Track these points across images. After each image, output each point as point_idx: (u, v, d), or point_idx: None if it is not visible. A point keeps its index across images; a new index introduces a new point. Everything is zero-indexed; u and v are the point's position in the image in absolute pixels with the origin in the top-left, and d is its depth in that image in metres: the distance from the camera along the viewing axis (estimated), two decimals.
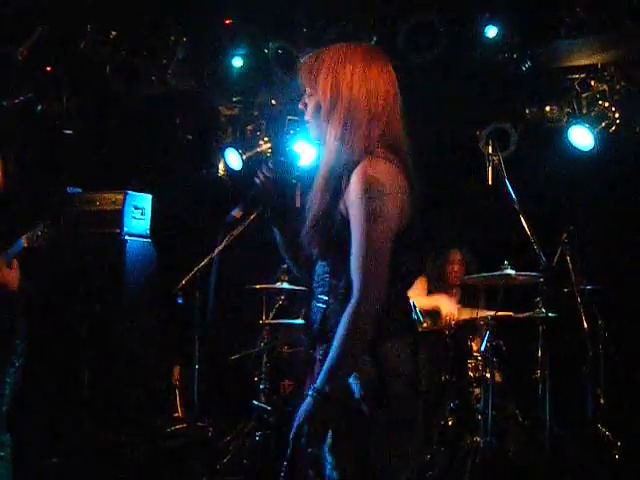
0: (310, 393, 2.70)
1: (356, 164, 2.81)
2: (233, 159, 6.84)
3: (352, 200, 2.78)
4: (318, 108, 2.92)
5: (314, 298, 2.95)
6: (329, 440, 2.75)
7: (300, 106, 3.01)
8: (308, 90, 2.96)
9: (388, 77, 2.94)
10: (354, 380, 2.75)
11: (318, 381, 2.70)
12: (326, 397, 2.68)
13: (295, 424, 2.71)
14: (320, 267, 2.96)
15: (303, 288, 5.21)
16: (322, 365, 2.74)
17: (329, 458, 2.76)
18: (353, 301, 2.70)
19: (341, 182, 2.84)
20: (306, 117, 2.98)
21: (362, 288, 2.71)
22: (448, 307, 6.29)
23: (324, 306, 2.89)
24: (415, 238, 2.89)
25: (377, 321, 2.72)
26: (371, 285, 2.71)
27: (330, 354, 2.70)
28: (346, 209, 2.81)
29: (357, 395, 2.74)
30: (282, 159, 3.18)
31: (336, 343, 2.69)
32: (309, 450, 2.74)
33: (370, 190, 2.76)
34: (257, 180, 3.09)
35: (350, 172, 2.81)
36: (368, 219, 2.74)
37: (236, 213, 3.17)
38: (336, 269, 2.87)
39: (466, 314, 6.27)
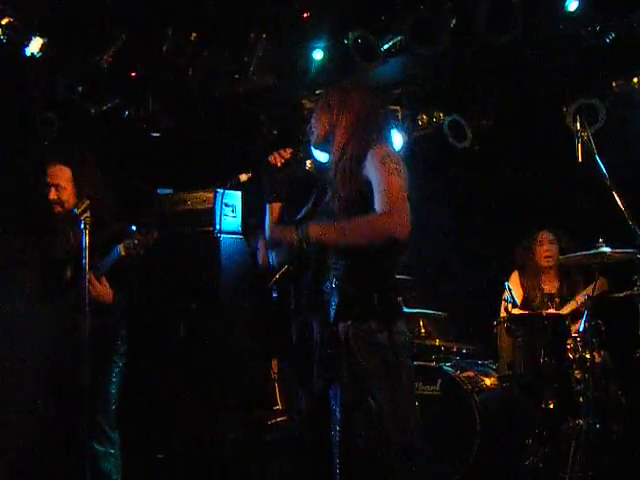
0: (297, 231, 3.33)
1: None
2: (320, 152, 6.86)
3: (373, 164, 3.33)
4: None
5: (326, 280, 3.39)
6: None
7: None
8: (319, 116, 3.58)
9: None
10: (372, 349, 3.27)
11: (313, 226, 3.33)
12: (308, 237, 3.30)
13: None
14: (332, 254, 3.38)
15: None
16: (348, 342, 3.29)
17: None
18: (380, 211, 3.23)
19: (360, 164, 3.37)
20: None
21: (388, 209, 3.21)
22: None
23: (339, 288, 3.33)
24: None
25: (391, 305, 3.36)
26: (396, 210, 3.21)
27: (342, 224, 3.26)
28: (366, 182, 3.33)
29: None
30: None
31: (352, 223, 3.25)
32: None
33: (388, 156, 3.34)
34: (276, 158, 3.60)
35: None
36: (390, 173, 3.27)
37: (243, 176, 3.49)
38: (350, 254, 3.33)
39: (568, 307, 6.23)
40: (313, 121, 3.59)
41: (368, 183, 3.35)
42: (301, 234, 3.30)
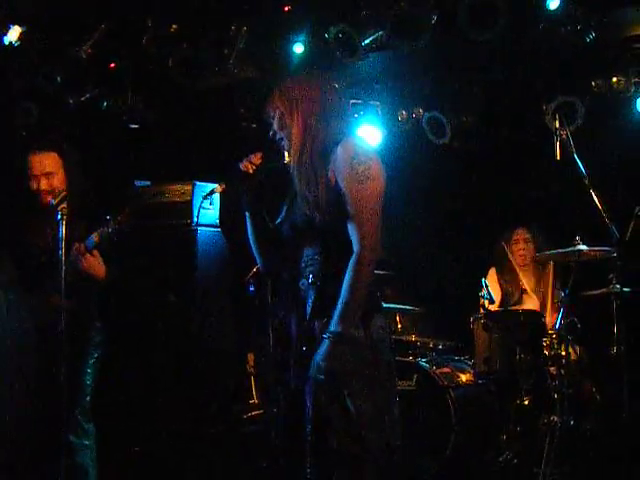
0: (326, 336, 3.18)
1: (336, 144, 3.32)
2: None
3: (341, 167, 3.27)
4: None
5: (302, 277, 3.36)
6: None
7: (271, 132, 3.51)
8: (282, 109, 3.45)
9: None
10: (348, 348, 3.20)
11: (332, 325, 3.19)
12: (341, 336, 3.17)
13: (315, 364, 3.19)
14: (309, 250, 3.36)
15: None
16: (322, 337, 3.21)
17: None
18: (355, 252, 3.21)
19: (327, 159, 3.31)
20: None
21: (361, 241, 3.20)
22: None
23: (315, 284, 3.31)
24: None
25: (369, 300, 3.26)
26: (368, 237, 3.20)
27: (341, 300, 3.19)
28: (335, 180, 3.28)
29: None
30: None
31: (346, 289, 3.19)
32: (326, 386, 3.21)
33: (356, 155, 3.26)
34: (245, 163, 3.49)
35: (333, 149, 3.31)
36: (359, 180, 3.22)
37: (217, 188, 3.55)
38: (326, 251, 3.32)
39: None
40: (276, 125, 3.47)
41: (336, 182, 3.29)
42: (335, 338, 3.19)
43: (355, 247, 3.22)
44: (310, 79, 3.57)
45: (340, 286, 3.24)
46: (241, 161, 3.49)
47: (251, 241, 3.59)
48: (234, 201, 3.62)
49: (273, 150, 3.51)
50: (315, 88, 3.47)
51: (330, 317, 3.23)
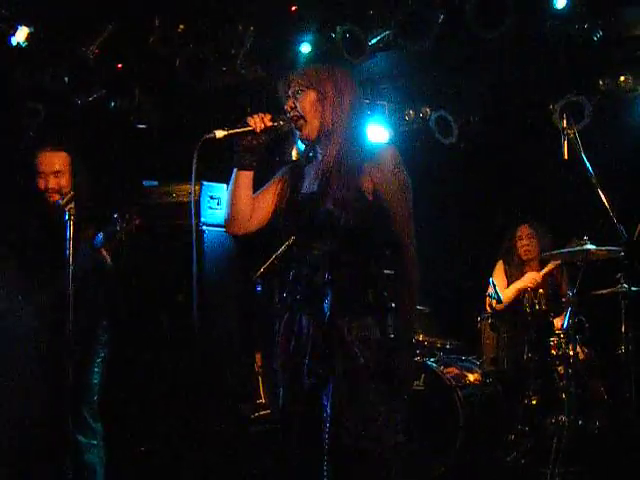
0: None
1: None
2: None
3: (387, 173, 3.32)
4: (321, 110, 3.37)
5: (315, 274, 3.30)
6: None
7: (288, 107, 3.40)
8: (302, 94, 3.38)
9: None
10: (369, 344, 3.26)
11: (401, 335, 3.30)
12: (411, 342, 3.43)
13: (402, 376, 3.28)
14: (324, 248, 3.30)
15: None
16: (344, 338, 3.23)
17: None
18: (405, 255, 3.33)
19: (359, 160, 3.31)
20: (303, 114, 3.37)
21: (408, 244, 3.34)
22: (530, 277, 6.32)
23: (333, 283, 3.27)
24: None
25: (383, 300, 3.34)
26: (412, 240, 3.35)
27: (403, 310, 3.30)
28: (372, 182, 3.31)
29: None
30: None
31: (404, 292, 3.32)
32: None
33: (399, 163, 3.36)
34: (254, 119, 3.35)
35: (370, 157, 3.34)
36: (401, 188, 3.33)
37: (220, 133, 3.33)
38: (344, 249, 3.29)
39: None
40: (302, 110, 3.36)
41: (375, 185, 3.31)
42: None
43: (402, 250, 3.34)
44: (340, 72, 3.46)
45: (358, 285, 3.29)
46: (250, 116, 3.35)
47: (227, 197, 3.47)
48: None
49: (280, 125, 3.40)
50: (345, 82, 3.41)
51: (351, 316, 3.26)
